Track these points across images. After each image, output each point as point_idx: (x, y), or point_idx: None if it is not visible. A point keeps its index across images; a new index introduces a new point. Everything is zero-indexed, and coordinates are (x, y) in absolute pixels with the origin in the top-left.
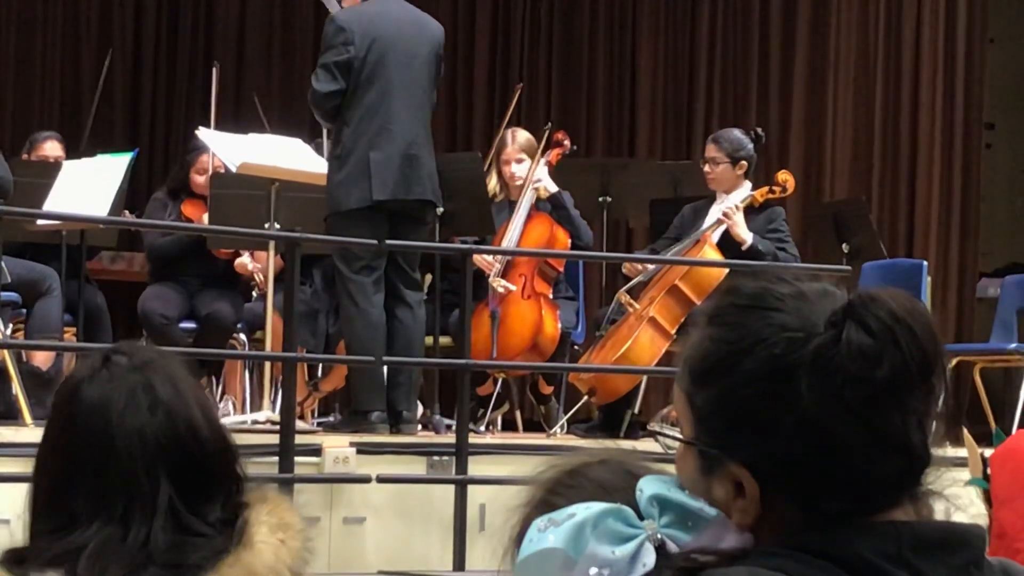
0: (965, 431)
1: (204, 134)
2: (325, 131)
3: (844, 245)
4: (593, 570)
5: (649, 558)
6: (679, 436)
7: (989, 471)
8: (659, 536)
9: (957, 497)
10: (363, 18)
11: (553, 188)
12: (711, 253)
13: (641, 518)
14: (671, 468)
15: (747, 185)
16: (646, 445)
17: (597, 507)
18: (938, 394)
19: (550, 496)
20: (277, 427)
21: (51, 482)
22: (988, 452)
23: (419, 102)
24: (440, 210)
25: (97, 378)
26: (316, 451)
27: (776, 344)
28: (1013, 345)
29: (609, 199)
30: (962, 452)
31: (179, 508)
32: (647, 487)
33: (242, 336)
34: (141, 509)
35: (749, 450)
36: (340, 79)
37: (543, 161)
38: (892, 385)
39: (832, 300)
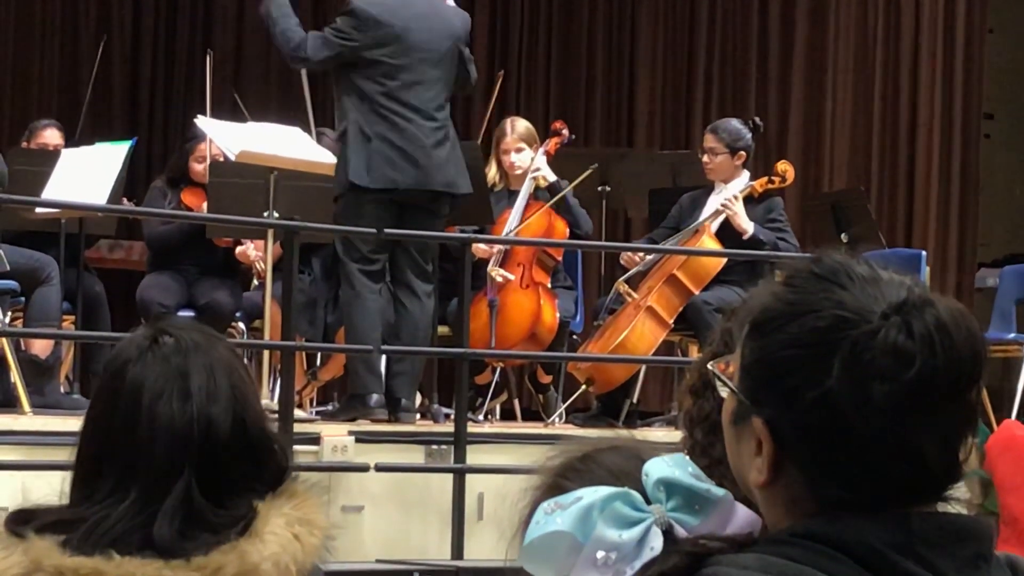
0: None
1: (203, 122)
2: (311, 118)
3: (843, 235)
4: (600, 553)
5: (656, 542)
6: (727, 380)
7: (985, 461)
8: (667, 520)
9: (957, 500)
10: (384, 6)
11: (552, 177)
12: (710, 243)
13: (649, 502)
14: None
15: (745, 175)
16: (645, 434)
17: (604, 491)
18: (973, 416)
19: (560, 480)
20: (275, 416)
21: (87, 457)
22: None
23: (437, 92)
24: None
25: (142, 359)
26: (315, 440)
27: (825, 318)
28: (1012, 335)
29: (608, 189)
30: None
31: (195, 499)
32: (653, 471)
33: (241, 325)
34: (154, 496)
35: (772, 410)
36: (326, 54)
37: (542, 150)
38: (917, 391)
39: (900, 292)
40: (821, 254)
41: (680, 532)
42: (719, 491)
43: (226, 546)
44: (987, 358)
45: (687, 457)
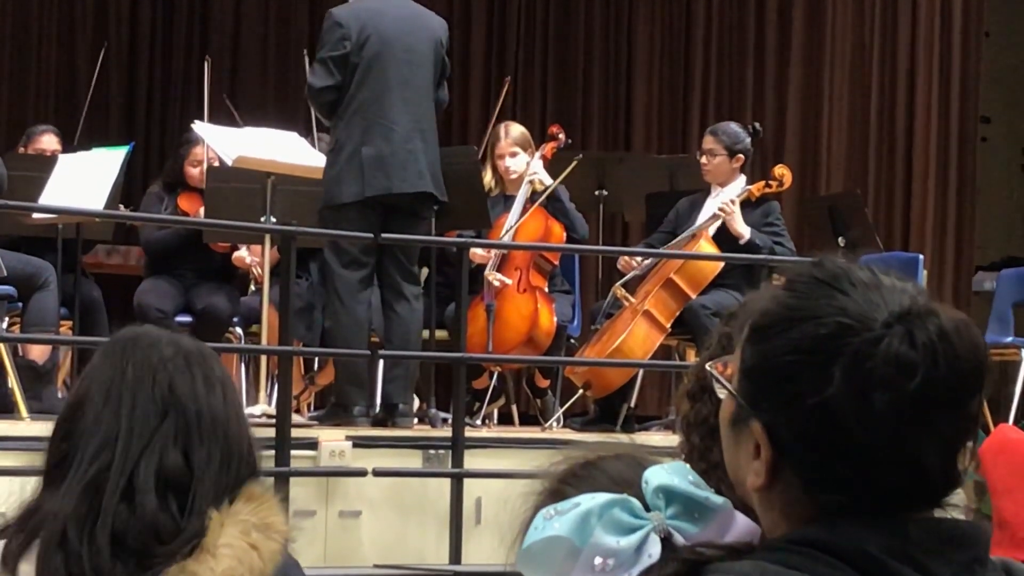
0: None
1: (200, 127)
2: (315, 125)
3: (840, 239)
4: (598, 560)
5: (654, 549)
6: (725, 383)
7: (979, 464)
8: (665, 527)
9: (954, 506)
10: (361, 13)
11: (548, 181)
12: (707, 247)
13: (648, 510)
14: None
15: (742, 179)
16: (642, 439)
17: (603, 497)
18: (974, 425)
19: (561, 486)
20: (273, 421)
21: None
22: None
23: (417, 97)
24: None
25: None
26: (312, 445)
27: (826, 325)
28: (1009, 339)
29: (605, 192)
30: None
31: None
32: (653, 478)
33: (238, 330)
34: (84, 509)
35: (771, 414)
36: (336, 74)
37: (538, 155)
38: (918, 400)
39: (903, 300)
40: (823, 258)
41: (679, 540)
42: (718, 499)
43: (173, 568)
44: (989, 369)
45: (687, 465)
